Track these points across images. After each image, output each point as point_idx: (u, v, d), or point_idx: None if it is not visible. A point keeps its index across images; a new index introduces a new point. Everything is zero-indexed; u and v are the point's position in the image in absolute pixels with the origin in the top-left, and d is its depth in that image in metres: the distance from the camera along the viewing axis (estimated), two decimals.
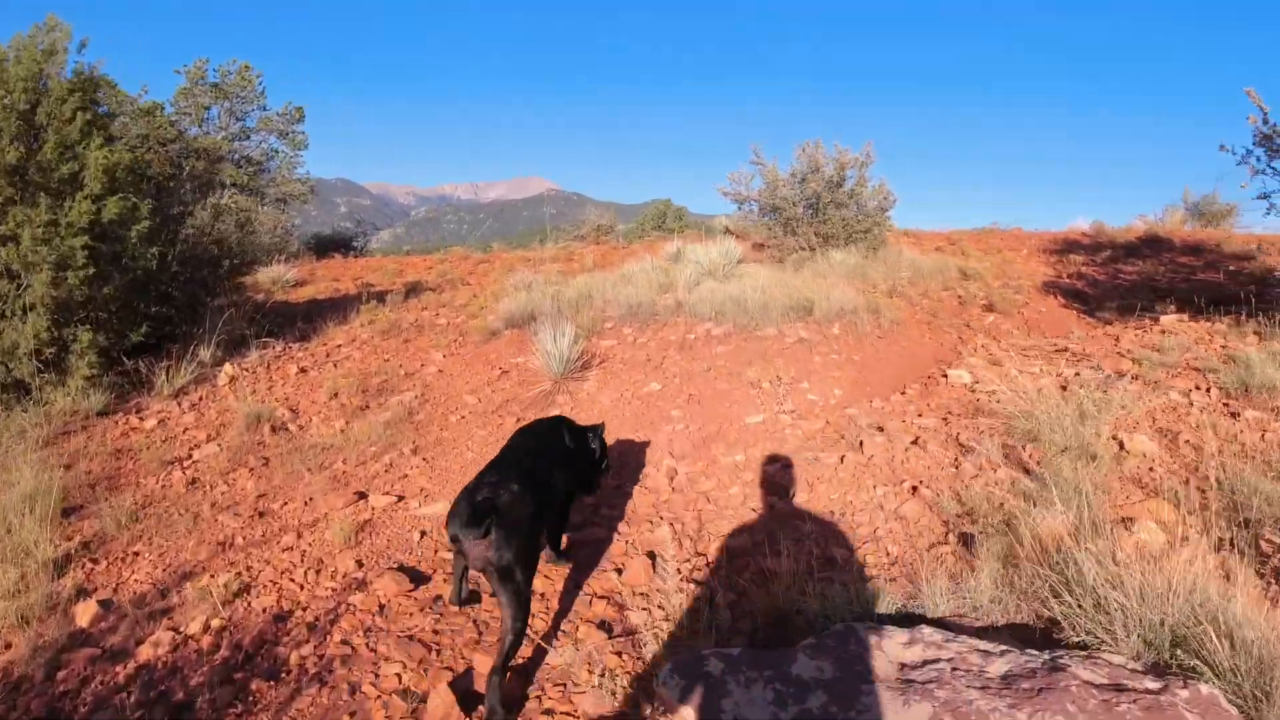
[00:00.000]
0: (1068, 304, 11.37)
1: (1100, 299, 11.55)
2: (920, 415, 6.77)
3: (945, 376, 7.77)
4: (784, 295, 9.23)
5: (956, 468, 5.41)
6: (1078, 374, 7.44)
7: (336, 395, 7.93)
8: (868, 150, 13.78)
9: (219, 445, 7.01)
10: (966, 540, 4.45)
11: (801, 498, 5.31)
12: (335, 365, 9.02)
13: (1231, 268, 13.33)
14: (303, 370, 8.79)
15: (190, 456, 6.84)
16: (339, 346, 9.68)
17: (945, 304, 10.83)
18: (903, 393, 7.71)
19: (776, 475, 5.81)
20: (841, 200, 13.56)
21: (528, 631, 3.61)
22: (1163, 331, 8.89)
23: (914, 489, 5.17)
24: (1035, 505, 4.53)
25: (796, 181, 13.71)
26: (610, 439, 6.70)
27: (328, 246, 20.28)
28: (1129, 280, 12.93)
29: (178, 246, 9.27)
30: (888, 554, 4.43)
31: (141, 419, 7.58)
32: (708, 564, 4.63)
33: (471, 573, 4.29)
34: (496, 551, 3.43)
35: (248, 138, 18.73)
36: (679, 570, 4.49)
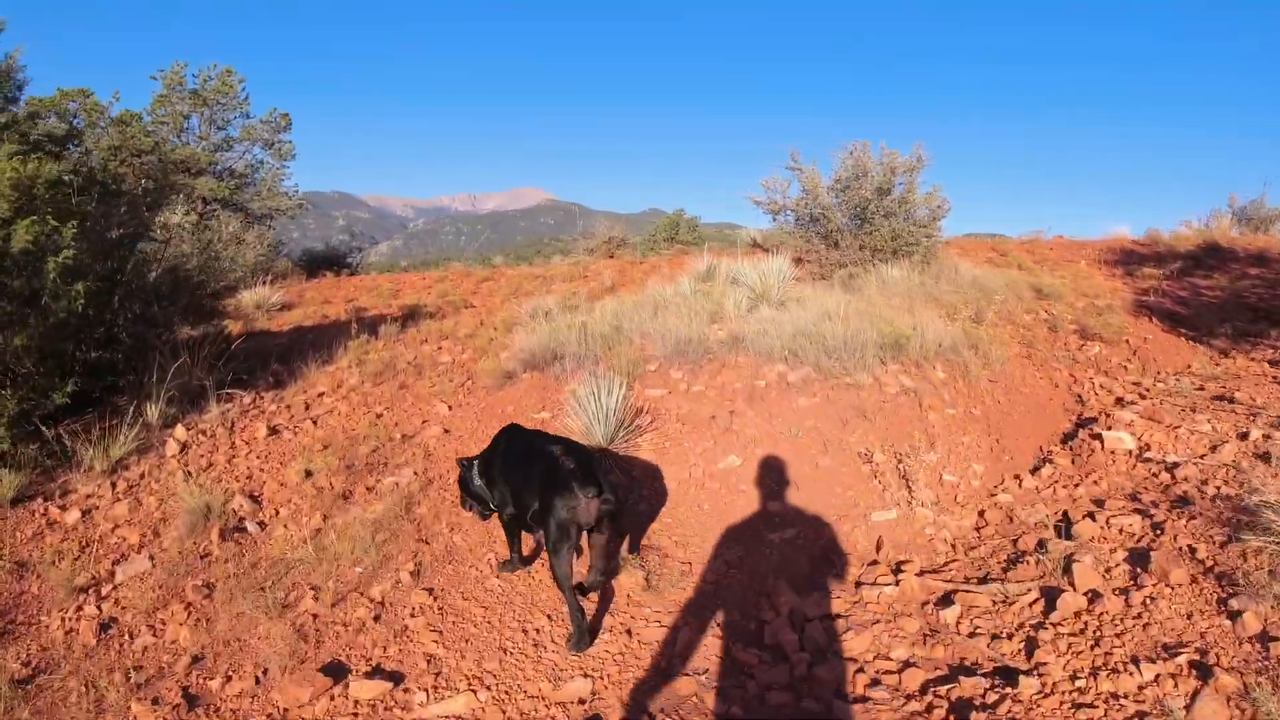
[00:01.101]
0: (1170, 329, 9.36)
1: (1202, 322, 9.56)
2: (1101, 505, 4.75)
3: (1098, 439, 5.76)
4: (865, 327, 7.18)
5: (1233, 618, 3.38)
6: (1268, 436, 5.48)
7: (312, 474, 5.83)
8: (918, 152, 11.75)
9: (151, 556, 4.94)
10: None
11: (1029, 685, 3.23)
12: (315, 423, 6.92)
13: None
14: (274, 431, 6.70)
15: (113, 576, 4.79)
16: (321, 395, 7.57)
17: (1036, 331, 8.80)
18: (1049, 461, 5.69)
19: (958, 626, 3.76)
20: (890, 209, 11.53)
21: None
22: None
23: (1197, 668, 3.13)
24: None
25: (840, 189, 11.65)
26: (692, 549, 4.65)
27: (319, 264, 17.99)
28: (1215, 297, 10.93)
29: (121, 278, 7.16)
30: None
31: (63, 509, 5.52)
32: None
33: None
34: (610, 503, 3.70)
35: (230, 148, 16.49)
36: None
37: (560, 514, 3.67)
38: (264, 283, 14.50)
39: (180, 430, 6.57)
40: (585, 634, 3.84)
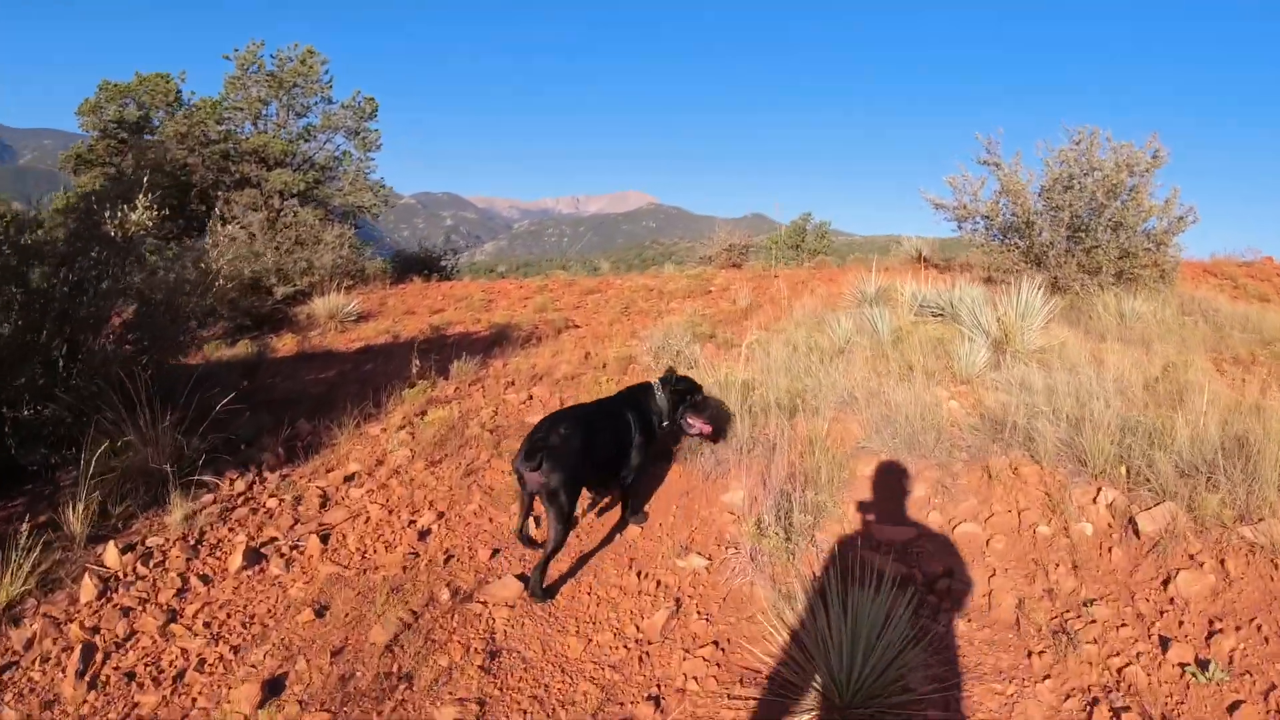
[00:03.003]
0: None
1: None
2: None
3: None
4: (1223, 419, 3.92)
5: None
6: None
7: (278, 700, 2.90)
8: (1155, 146, 8.29)
9: None
10: None
11: None
12: (324, 542, 4.03)
13: None
14: (256, 558, 3.84)
15: None
16: (348, 481, 4.70)
17: None
18: None
19: None
20: (1118, 218, 8.11)
21: None
22: None
23: None
24: None
25: (1061, 188, 8.25)
26: None
27: (411, 267, 15.29)
28: None
29: (50, 312, 4.42)
30: None
31: None
32: None
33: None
34: (545, 478, 3.53)
35: (312, 138, 13.83)
36: None
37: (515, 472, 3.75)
38: (343, 288, 12.01)
39: (111, 552, 3.78)
40: (523, 534, 3.94)
